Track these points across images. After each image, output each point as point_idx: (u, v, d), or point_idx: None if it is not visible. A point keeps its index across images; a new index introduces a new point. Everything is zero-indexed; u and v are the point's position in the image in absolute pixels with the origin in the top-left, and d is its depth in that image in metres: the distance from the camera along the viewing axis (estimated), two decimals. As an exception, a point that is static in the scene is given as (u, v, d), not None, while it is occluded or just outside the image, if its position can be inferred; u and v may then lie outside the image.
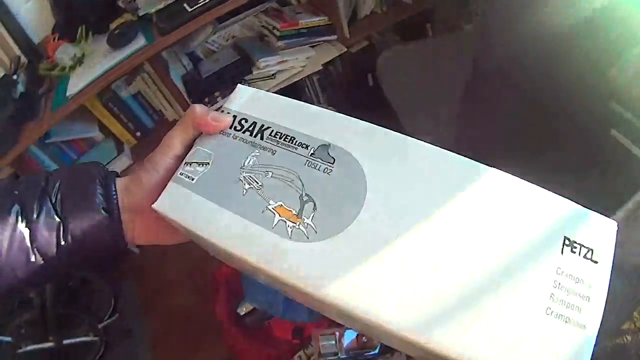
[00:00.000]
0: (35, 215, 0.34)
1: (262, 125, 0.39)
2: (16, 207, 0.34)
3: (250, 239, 0.33)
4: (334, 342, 1.06)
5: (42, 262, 0.34)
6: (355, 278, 0.31)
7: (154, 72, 1.63)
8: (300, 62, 1.72)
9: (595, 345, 0.29)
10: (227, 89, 1.71)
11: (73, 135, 1.66)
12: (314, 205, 0.33)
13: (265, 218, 0.34)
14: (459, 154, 0.34)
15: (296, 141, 0.37)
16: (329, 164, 0.35)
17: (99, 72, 1.40)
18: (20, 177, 0.37)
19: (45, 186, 0.36)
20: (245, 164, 0.37)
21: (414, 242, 0.31)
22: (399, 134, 0.36)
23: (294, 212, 0.33)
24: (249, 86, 0.42)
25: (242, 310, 1.28)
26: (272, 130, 0.38)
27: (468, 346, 0.28)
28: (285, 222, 0.33)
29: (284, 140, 0.37)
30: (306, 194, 0.34)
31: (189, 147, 0.40)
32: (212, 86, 1.70)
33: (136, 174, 0.38)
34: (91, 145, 1.73)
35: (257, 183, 0.35)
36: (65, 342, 1.50)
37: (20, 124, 1.44)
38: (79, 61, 1.46)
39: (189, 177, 0.37)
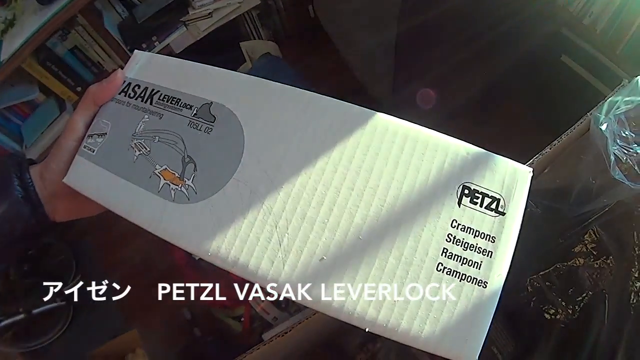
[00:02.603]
0: None
1: (152, 90, 0.39)
2: None
3: (139, 205, 0.35)
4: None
5: None
6: (230, 236, 0.31)
7: (88, 24, 1.55)
8: (237, -2, 1.64)
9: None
10: (164, 32, 1.65)
11: (13, 101, 1.60)
12: (195, 166, 0.34)
13: (152, 183, 0.35)
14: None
15: (181, 102, 0.37)
16: (209, 123, 0.36)
17: (31, 30, 1.33)
18: None
19: None
20: (137, 131, 0.38)
21: (290, 196, 0.30)
22: (280, 84, 0.35)
23: (176, 174, 0.35)
24: (151, 52, 0.41)
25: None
26: (161, 94, 0.39)
27: (348, 303, 0.27)
28: (170, 185, 0.35)
29: (170, 102, 0.38)
30: (188, 156, 0.35)
31: None
32: (148, 31, 1.63)
33: (47, 160, 0.40)
34: (33, 107, 1.68)
35: (146, 149, 0.37)
36: (35, 311, 1.50)
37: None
38: (10, 23, 1.38)
39: (90, 149, 0.39)
